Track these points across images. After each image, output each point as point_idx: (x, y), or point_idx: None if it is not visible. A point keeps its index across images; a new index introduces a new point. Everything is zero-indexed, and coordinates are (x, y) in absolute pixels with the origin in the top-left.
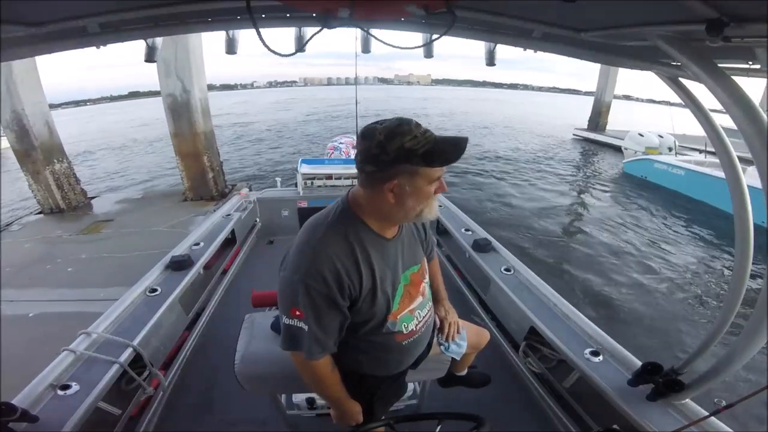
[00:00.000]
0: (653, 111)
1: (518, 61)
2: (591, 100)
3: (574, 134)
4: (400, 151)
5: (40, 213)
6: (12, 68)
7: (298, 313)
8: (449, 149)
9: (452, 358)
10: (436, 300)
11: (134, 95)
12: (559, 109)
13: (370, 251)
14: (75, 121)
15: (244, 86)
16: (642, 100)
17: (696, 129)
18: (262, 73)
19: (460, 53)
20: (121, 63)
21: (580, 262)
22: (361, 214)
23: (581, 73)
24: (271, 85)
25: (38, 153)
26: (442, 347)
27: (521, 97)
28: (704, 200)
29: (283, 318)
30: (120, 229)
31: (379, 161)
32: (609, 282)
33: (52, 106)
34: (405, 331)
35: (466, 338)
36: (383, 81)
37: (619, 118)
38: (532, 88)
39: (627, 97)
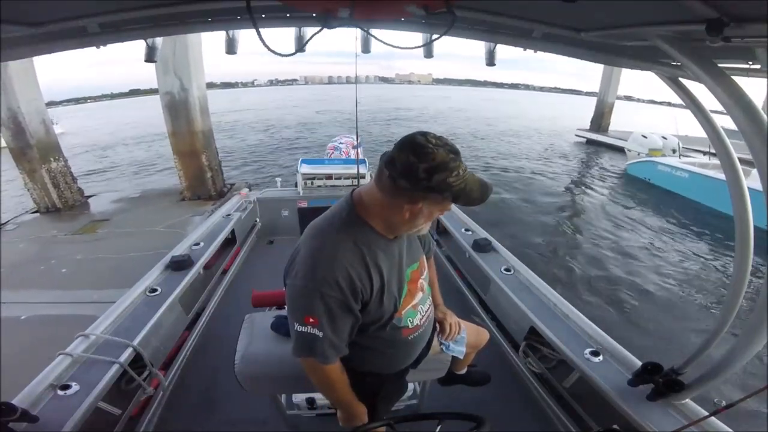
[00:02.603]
0: (655, 112)
1: (519, 61)
2: (592, 100)
3: (576, 135)
4: (441, 185)
5: (36, 212)
6: (7, 65)
7: (312, 320)
8: (476, 195)
9: (452, 357)
10: (433, 304)
11: (135, 93)
12: (560, 109)
13: (378, 253)
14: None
15: (245, 84)
16: (643, 101)
17: (699, 130)
18: (263, 71)
19: (460, 53)
20: (121, 59)
21: (582, 263)
22: (366, 216)
23: (582, 73)
24: (272, 83)
25: (34, 151)
26: (443, 347)
27: (522, 97)
28: (708, 204)
29: (295, 325)
30: (116, 229)
31: (419, 184)
32: (612, 284)
33: (53, 104)
34: (410, 326)
35: (465, 335)
36: (384, 80)
37: (621, 119)
38: (534, 88)
39: (628, 98)
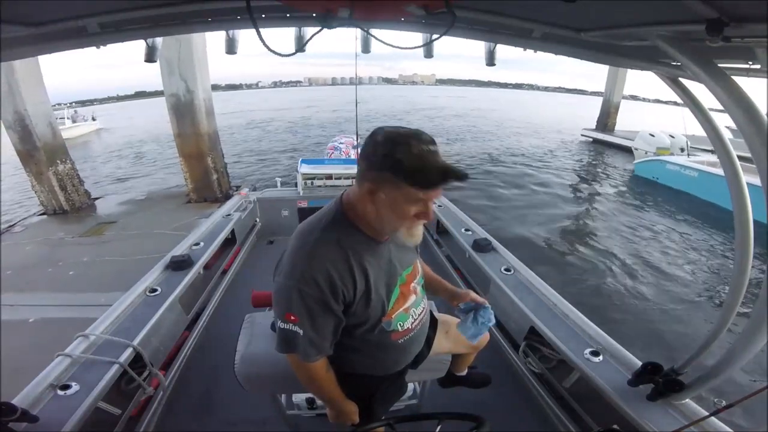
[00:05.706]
0: (660, 111)
1: (522, 61)
2: (598, 100)
3: (582, 134)
4: (387, 158)
5: (43, 214)
6: (14, 68)
7: (293, 318)
8: (434, 176)
9: (452, 358)
10: (448, 291)
11: (140, 95)
12: (565, 108)
13: (364, 255)
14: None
15: (249, 86)
16: (649, 100)
17: None
18: (267, 73)
19: (463, 53)
20: (126, 62)
21: (587, 265)
22: (353, 217)
23: (588, 73)
24: (276, 85)
25: (41, 154)
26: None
27: (528, 97)
28: (719, 202)
29: (278, 322)
30: (123, 231)
31: (370, 161)
32: (618, 286)
33: (59, 107)
34: (400, 330)
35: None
36: (387, 81)
37: (627, 119)
38: (538, 88)
39: (633, 97)
